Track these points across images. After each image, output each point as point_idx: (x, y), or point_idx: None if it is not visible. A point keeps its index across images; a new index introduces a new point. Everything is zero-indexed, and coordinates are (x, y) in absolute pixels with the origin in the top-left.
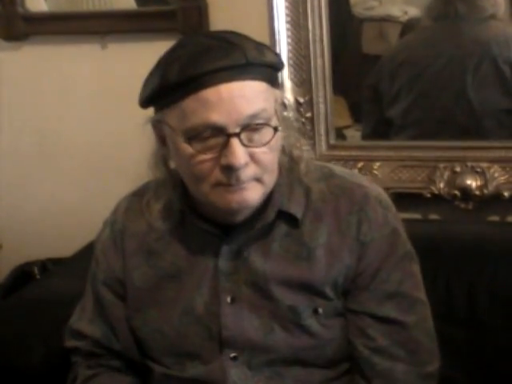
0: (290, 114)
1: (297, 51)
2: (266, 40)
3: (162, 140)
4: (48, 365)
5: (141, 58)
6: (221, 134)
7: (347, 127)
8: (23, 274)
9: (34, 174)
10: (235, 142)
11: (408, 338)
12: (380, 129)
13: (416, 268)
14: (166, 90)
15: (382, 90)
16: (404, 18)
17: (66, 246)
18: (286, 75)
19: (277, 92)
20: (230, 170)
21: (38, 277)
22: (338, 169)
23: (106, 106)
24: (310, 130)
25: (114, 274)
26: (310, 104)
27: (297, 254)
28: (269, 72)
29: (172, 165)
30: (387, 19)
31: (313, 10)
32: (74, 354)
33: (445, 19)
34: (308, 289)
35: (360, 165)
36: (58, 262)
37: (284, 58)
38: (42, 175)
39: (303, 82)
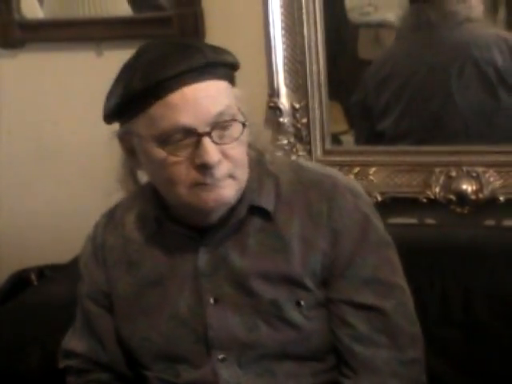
0: (285, 119)
1: (292, 57)
2: (261, 45)
3: (130, 151)
4: (46, 369)
5: None
6: (191, 135)
7: (343, 133)
8: (20, 281)
9: (31, 180)
10: (206, 140)
11: (387, 323)
12: (373, 141)
13: (393, 254)
14: (131, 100)
15: (370, 104)
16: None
17: (64, 253)
18: (281, 81)
19: (235, 90)
20: (204, 168)
21: (35, 283)
22: (306, 162)
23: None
24: (305, 135)
25: (97, 286)
26: (306, 109)
27: (273, 247)
28: (227, 71)
29: (141, 175)
30: (383, 25)
31: (308, 16)
32: (67, 373)
33: (420, 29)
34: (288, 281)
35: (356, 170)
36: (55, 269)
37: (280, 63)
38: (39, 181)
39: (299, 88)
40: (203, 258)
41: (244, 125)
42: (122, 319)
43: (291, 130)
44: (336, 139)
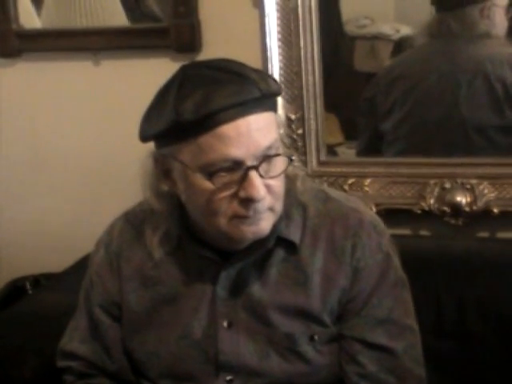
0: (281, 130)
1: (288, 68)
2: (258, 57)
3: (165, 173)
4: (40, 378)
5: (133, 74)
6: (239, 168)
7: (339, 144)
8: (16, 289)
9: (27, 188)
10: (254, 174)
11: (397, 364)
12: (374, 143)
13: (407, 295)
14: (181, 128)
15: (378, 103)
16: (396, 37)
17: (60, 261)
18: None
19: (278, 117)
20: (248, 202)
21: (30, 292)
22: (333, 192)
23: (99, 121)
24: (301, 146)
25: (110, 296)
26: (302, 120)
27: (294, 280)
28: (275, 101)
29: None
30: (379, 37)
31: (304, 28)
32: (66, 372)
33: (439, 37)
34: (305, 315)
35: (351, 181)
36: (50, 277)
37: (276, 74)
38: (35, 190)
39: (295, 99)
40: (223, 282)
41: (291, 160)
42: (131, 331)
43: (287, 140)
44: (331, 151)
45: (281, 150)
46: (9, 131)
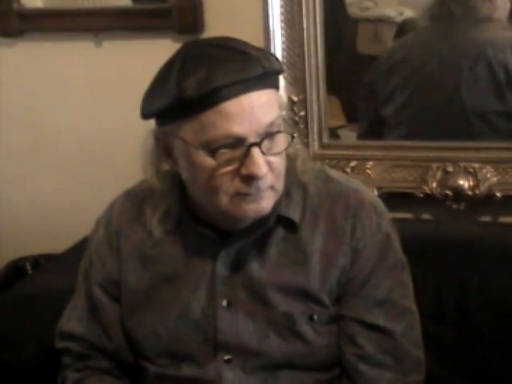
0: (283, 112)
1: (291, 50)
2: (260, 38)
3: (166, 152)
4: (39, 360)
5: (135, 55)
6: (241, 145)
7: (341, 127)
8: (16, 270)
9: (28, 170)
10: (256, 151)
11: (395, 346)
12: (375, 128)
13: (407, 277)
14: (183, 104)
15: (378, 88)
16: (399, 19)
17: (60, 242)
18: None
19: (279, 96)
20: (251, 179)
21: (30, 272)
22: (333, 173)
23: (100, 102)
24: (303, 128)
25: (109, 275)
26: (304, 103)
27: (293, 260)
28: (277, 78)
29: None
30: (382, 20)
31: (308, 10)
32: (64, 354)
33: (440, 20)
34: (304, 295)
35: (353, 164)
36: (50, 258)
37: (278, 56)
38: (36, 171)
39: (297, 81)
40: (222, 261)
41: (293, 137)
42: (129, 310)
43: (289, 123)
44: (334, 134)
45: (282, 128)
46: (9, 112)
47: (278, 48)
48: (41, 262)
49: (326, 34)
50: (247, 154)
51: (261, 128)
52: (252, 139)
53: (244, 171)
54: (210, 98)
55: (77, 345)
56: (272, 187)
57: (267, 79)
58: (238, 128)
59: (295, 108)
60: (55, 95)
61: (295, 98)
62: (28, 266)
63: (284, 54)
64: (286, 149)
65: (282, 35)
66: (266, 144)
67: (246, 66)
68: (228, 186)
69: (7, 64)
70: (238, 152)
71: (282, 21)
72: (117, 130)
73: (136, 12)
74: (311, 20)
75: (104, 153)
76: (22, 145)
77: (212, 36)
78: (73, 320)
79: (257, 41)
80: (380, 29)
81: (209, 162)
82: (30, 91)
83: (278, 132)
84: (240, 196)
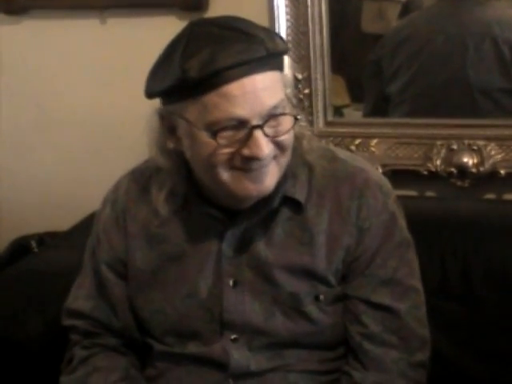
0: (288, 90)
1: (296, 27)
2: (265, 16)
3: (170, 130)
4: (45, 337)
5: (139, 33)
6: (243, 127)
7: (345, 106)
8: (21, 248)
9: (32, 147)
10: (259, 133)
11: (400, 325)
12: (380, 106)
13: (412, 255)
14: (186, 85)
15: (384, 65)
16: None
17: (65, 220)
18: None
19: (284, 76)
20: (252, 160)
21: (35, 250)
22: (340, 152)
23: (105, 80)
24: (308, 106)
25: (116, 254)
26: (308, 80)
27: (299, 240)
28: (281, 60)
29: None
30: None
31: None
32: (72, 331)
33: None
34: (310, 275)
35: (357, 141)
36: (55, 236)
37: (283, 34)
38: (40, 149)
39: (302, 59)
40: (229, 241)
41: (296, 118)
42: (137, 289)
43: (293, 100)
44: (338, 113)
45: (287, 110)
46: (13, 89)
47: (282, 26)
48: (46, 240)
49: (330, 12)
50: (250, 136)
51: (264, 111)
52: (255, 122)
53: (246, 153)
54: (213, 80)
55: (84, 323)
56: (275, 159)
57: (271, 61)
58: (241, 110)
59: (300, 86)
60: (60, 72)
61: (300, 76)
62: (33, 244)
63: (289, 31)
64: (291, 130)
65: (287, 13)
66: (269, 126)
67: (249, 48)
68: (228, 163)
69: (11, 41)
70: (241, 134)
71: None
72: (121, 107)
73: None
74: None
75: (109, 128)
76: (27, 122)
77: (216, 14)
78: (80, 298)
79: (261, 18)
80: (384, 7)
81: (211, 142)
82: (34, 68)
83: (282, 114)
84: (241, 171)
